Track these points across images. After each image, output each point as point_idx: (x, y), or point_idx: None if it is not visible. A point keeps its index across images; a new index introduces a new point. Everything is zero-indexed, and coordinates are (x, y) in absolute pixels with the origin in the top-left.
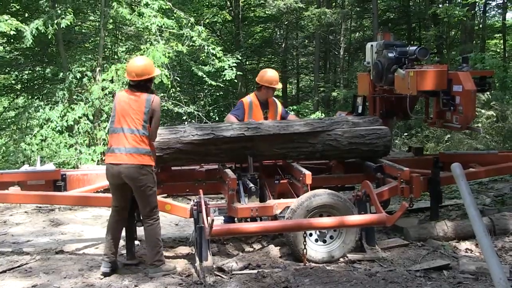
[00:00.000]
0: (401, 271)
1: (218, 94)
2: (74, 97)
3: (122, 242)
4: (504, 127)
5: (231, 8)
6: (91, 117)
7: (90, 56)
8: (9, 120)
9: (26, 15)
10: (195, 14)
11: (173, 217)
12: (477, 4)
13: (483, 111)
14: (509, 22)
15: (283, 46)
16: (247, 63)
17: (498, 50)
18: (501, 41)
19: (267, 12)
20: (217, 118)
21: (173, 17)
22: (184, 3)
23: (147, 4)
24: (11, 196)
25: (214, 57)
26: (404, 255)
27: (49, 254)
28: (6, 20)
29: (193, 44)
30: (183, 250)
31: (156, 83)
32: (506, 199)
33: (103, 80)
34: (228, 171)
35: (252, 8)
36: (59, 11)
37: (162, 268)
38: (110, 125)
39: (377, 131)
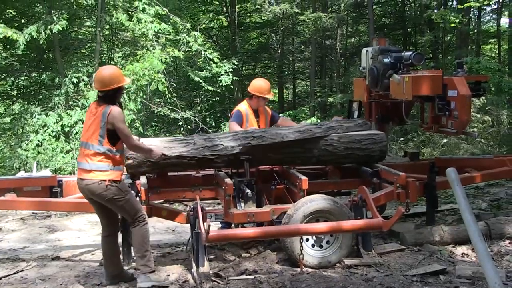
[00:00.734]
0: (397, 276)
1: (214, 99)
2: (71, 103)
3: None
4: (500, 132)
5: (227, 14)
6: None
7: (86, 62)
8: (5, 126)
9: (22, 21)
10: (191, 20)
11: (170, 223)
12: (471, 9)
13: (478, 116)
14: (503, 28)
15: (279, 51)
16: (244, 68)
17: (493, 55)
18: (496, 46)
19: (263, 18)
20: (213, 124)
21: (169, 23)
22: (181, 8)
23: (143, 10)
24: (7, 203)
25: (211, 62)
26: (401, 260)
27: (45, 260)
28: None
29: (190, 49)
30: (180, 256)
31: (152, 90)
32: (502, 204)
33: None
34: (225, 176)
35: (248, 14)
36: (54, 18)
37: (151, 278)
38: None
39: (373, 136)
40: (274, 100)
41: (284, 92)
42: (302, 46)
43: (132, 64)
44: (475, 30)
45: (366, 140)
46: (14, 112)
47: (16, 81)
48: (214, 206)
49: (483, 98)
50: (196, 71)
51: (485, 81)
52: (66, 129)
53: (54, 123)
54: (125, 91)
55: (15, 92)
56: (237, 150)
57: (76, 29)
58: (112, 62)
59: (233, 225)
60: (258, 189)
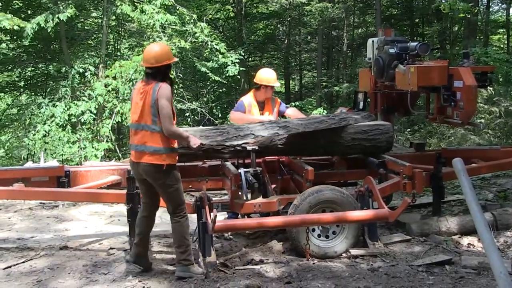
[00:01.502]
0: (403, 266)
1: (221, 90)
2: (77, 93)
3: (126, 238)
4: (507, 123)
5: (233, 4)
6: (94, 110)
7: (93, 53)
8: (12, 117)
9: (29, 12)
10: (198, 11)
11: None
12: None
13: (486, 106)
14: None
15: (285, 42)
16: (250, 59)
17: (502, 46)
18: (505, 36)
19: (269, 8)
20: (219, 115)
21: (176, 14)
22: None
23: (150, 1)
24: (15, 193)
25: (218, 53)
26: (407, 250)
27: (54, 250)
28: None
29: (196, 40)
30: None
31: None
32: (509, 195)
33: (106, 76)
34: (231, 167)
35: (255, 4)
36: (61, 8)
37: (190, 269)
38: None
39: (380, 127)
40: (281, 91)
41: (290, 83)
42: (309, 37)
43: (138, 55)
44: (483, 20)
45: (373, 131)
46: (21, 103)
47: (23, 72)
48: (220, 197)
49: (491, 88)
50: (203, 62)
51: (492, 71)
52: (73, 120)
53: (62, 113)
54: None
55: (22, 83)
56: (267, 139)
57: (82, 20)
58: (118, 53)
59: (239, 215)
60: (264, 180)
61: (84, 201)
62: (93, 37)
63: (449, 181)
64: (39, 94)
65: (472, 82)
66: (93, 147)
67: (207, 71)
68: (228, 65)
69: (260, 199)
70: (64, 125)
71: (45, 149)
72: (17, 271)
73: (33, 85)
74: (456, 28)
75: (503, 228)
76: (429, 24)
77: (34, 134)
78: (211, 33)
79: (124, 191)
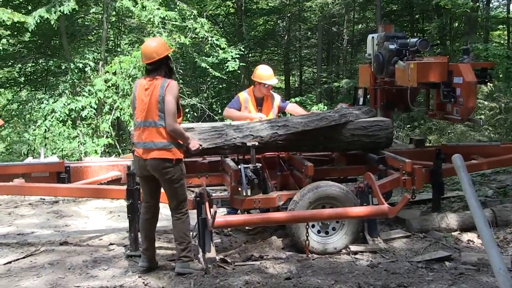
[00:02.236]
0: (403, 262)
1: (221, 86)
2: (78, 89)
3: (126, 234)
4: (507, 119)
5: (234, 0)
6: (94, 105)
7: (93, 48)
8: (13, 113)
9: (29, 7)
10: (198, 6)
11: None
12: None
13: (486, 102)
14: None
15: (286, 38)
16: (250, 55)
17: (502, 42)
18: (505, 32)
19: (269, 4)
20: (219, 111)
21: (176, 9)
22: None
23: None
24: (16, 188)
25: (218, 48)
26: (406, 246)
27: (54, 245)
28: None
29: (196, 36)
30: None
31: None
32: (508, 191)
33: (106, 72)
34: (231, 162)
35: (255, 0)
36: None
37: (189, 265)
38: (134, 118)
39: (380, 123)
40: (281, 87)
41: (290, 78)
42: (309, 33)
43: (138, 51)
44: (484, 17)
45: (373, 127)
46: (22, 99)
47: (24, 67)
48: (220, 192)
49: (491, 84)
50: (203, 57)
51: (491, 67)
52: (73, 115)
53: (62, 107)
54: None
55: (22, 79)
56: (266, 139)
57: (82, 15)
58: (118, 49)
59: (239, 211)
60: (264, 175)
61: (84, 197)
62: (93, 33)
63: (449, 177)
64: (39, 89)
65: (472, 78)
66: (93, 143)
67: (207, 67)
68: (228, 60)
69: (260, 195)
70: (65, 120)
71: (45, 145)
72: (17, 267)
73: (33, 81)
74: (456, 24)
75: (502, 224)
76: (429, 20)
77: (34, 129)
78: (211, 28)
79: (124, 187)
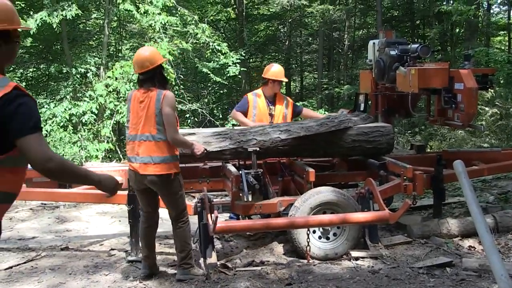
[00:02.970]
0: (404, 268)
1: (222, 91)
2: (79, 95)
3: (127, 239)
4: (508, 125)
5: (235, 6)
6: (95, 111)
7: (94, 54)
8: None
9: (31, 13)
10: (199, 12)
11: None
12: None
13: (487, 108)
14: None
15: (286, 43)
16: (251, 60)
17: (503, 48)
18: (506, 38)
19: (271, 10)
20: (220, 116)
21: (177, 15)
22: (188, 0)
23: (151, 2)
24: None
25: (219, 53)
26: (407, 252)
27: (55, 250)
28: None
29: (197, 41)
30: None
31: None
32: (510, 197)
33: (108, 77)
34: (232, 168)
35: (256, 6)
36: (62, 7)
37: (190, 271)
38: (127, 131)
39: (380, 129)
40: (282, 92)
41: (291, 84)
42: (310, 38)
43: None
44: (484, 23)
45: (374, 133)
46: None
47: (25, 73)
48: (221, 198)
49: (491, 90)
50: (204, 63)
51: (492, 74)
52: (74, 120)
53: (63, 112)
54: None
55: (23, 84)
56: (268, 144)
57: (84, 20)
58: (120, 54)
59: (240, 216)
60: (265, 181)
61: (86, 202)
62: (94, 38)
63: (450, 183)
64: (40, 94)
65: (473, 84)
66: (95, 148)
67: (208, 72)
68: (229, 66)
69: (261, 201)
70: (66, 125)
71: None
72: (18, 272)
73: (35, 86)
74: (457, 30)
75: (504, 230)
76: (430, 26)
77: None
78: (212, 34)
79: (126, 192)
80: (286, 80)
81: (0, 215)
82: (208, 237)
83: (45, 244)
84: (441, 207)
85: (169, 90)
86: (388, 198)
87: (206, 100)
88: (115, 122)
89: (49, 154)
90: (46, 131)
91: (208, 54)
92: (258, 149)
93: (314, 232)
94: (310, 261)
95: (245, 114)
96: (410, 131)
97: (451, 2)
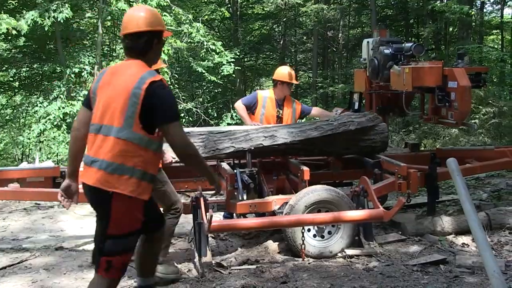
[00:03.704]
0: (398, 265)
1: (216, 91)
2: (72, 94)
3: None
4: (501, 123)
5: (229, 5)
6: None
7: (88, 53)
8: (7, 118)
9: (24, 12)
10: (194, 11)
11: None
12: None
13: (480, 107)
14: (506, 18)
15: (281, 43)
16: (245, 59)
17: (496, 46)
18: (499, 37)
19: (265, 9)
20: (215, 115)
21: (171, 14)
22: None
23: (145, 1)
24: (10, 193)
25: (214, 53)
26: (402, 250)
27: (49, 250)
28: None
29: (192, 41)
30: (182, 246)
31: None
32: (502, 194)
33: None
34: (227, 167)
35: (251, 5)
36: (55, 7)
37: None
38: None
39: (375, 127)
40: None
41: None
42: (304, 37)
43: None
44: (478, 22)
45: (369, 131)
46: (16, 103)
47: (18, 72)
48: (216, 197)
49: (485, 89)
50: (199, 62)
51: (486, 72)
52: (68, 120)
53: (56, 110)
54: None
55: (16, 84)
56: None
57: (77, 20)
58: (114, 54)
59: (234, 215)
60: (260, 180)
61: (80, 202)
62: (88, 37)
63: (443, 181)
64: (34, 94)
65: (466, 82)
66: None
67: (203, 71)
68: (224, 65)
69: (255, 199)
70: (59, 124)
71: (40, 149)
72: (12, 272)
73: (28, 85)
74: (451, 29)
75: (497, 227)
76: (424, 25)
77: (29, 133)
78: (206, 33)
79: None
80: (296, 82)
81: (148, 194)
82: (203, 236)
83: (39, 244)
84: (435, 205)
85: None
86: (382, 196)
87: (200, 99)
88: None
89: (189, 141)
90: (40, 130)
91: (203, 53)
92: (252, 148)
93: (309, 230)
94: (305, 259)
95: (250, 109)
96: (404, 130)
97: (445, 0)
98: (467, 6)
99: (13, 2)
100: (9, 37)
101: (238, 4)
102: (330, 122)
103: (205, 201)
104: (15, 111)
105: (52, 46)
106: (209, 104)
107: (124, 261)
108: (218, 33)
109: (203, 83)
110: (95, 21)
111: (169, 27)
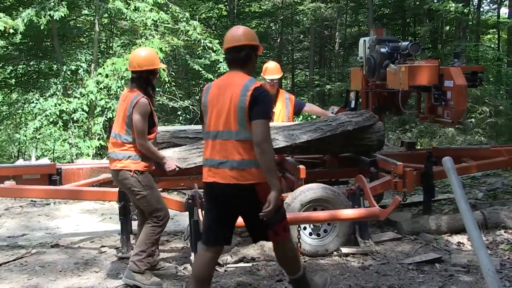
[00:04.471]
0: (394, 264)
1: None
2: (69, 92)
3: (118, 236)
4: (497, 122)
5: (226, 3)
6: (86, 108)
7: (85, 50)
8: (4, 115)
9: (20, 9)
10: (191, 9)
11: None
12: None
13: (476, 106)
14: (503, 17)
15: (278, 41)
16: None
17: (493, 46)
18: (496, 36)
19: (262, 7)
20: None
21: (168, 12)
22: None
23: None
24: (6, 190)
25: (210, 51)
26: (397, 249)
27: (45, 248)
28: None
29: (189, 39)
30: (178, 244)
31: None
32: (498, 194)
33: (98, 74)
34: None
35: (248, 3)
36: (52, 4)
37: (135, 277)
38: None
39: (372, 126)
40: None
41: (283, 81)
42: (301, 36)
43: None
44: (474, 21)
45: (365, 130)
46: (12, 101)
47: (15, 69)
48: None
49: (481, 88)
50: (196, 60)
51: (482, 71)
52: (65, 117)
53: (53, 106)
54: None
55: (13, 81)
56: None
57: (74, 17)
58: (111, 51)
59: None
60: None
61: (76, 199)
62: (85, 35)
63: (439, 180)
64: (30, 91)
65: (462, 81)
66: (86, 145)
67: (200, 69)
68: (220, 62)
69: None
70: (55, 121)
71: (36, 147)
72: (7, 269)
73: (25, 83)
74: (448, 28)
75: (492, 226)
76: (421, 24)
77: (25, 130)
78: (204, 31)
79: (116, 189)
80: (277, 76)
81: (257, 178)
82: (199, 234)
83: (35, 242)
84: (430, 203)
85: (152, 97)
86: (378, 194)
87: (197, 97)
88: (106, 119)
89: (270, 140)
90: (36, 127)
91: (200, 51)
92: None
93: (304, 228)
94: (300, 258)
95: None
96: (400, 128)
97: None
98: (461, 4)
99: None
100: (6, 34)
101: (235, 2)
102: (329, 122)
103: (201, 199)
104: (11, 108)
105: (48, 43)
106: None
107: (284, 226)
108: (215, 31)
109: (200, 81)
110: (92, 18)
111: (166, 25)
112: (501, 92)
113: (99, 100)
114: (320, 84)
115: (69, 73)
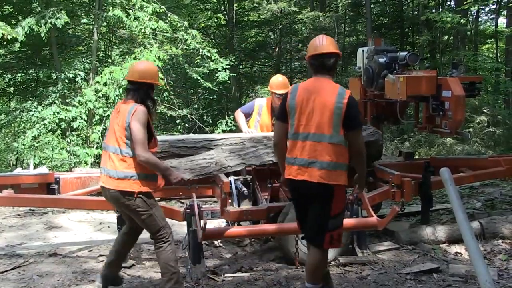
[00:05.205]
0: (391, 274)
1: (211, 97)
2: (68, 100)
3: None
4: (495, 132)
5: (225, 12)
6: (85, 117)
7: (83, 59)
8: (2, 122)
9: (20, 18)
10: (190, 18)
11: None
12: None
13: (475, 116)
14: (501, 27)
15: (276, 50)
16: (241, 66)
17: (491, 56)
18: (494, 46)
19: (261, 16)
20: (210, 121)
21: (167, 21)
22: (179, 6)
23: (141, 7)
24: (5, 199)
25: (209, 60)
26: (395, 258)
27: (43, 257)
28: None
29: (187, 47)
30: (176, 253)
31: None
32: (496, 204)
33: (97, 82)
34: (221, 174)
35: (246, 12)
36: (51, 12)
37: None
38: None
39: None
40: None
41: None
42: (300, 45)
43: (129, 62)
44: (472, 31)
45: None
46: (11, 109)
47: (13, 78)
48: (211, 204)
49: (479, 98)
50: (194, 68)
51: (480, 82)
52: (63, 125)
53: (51, 115)
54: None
55: (12, 89)
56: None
57: (73, 26)
58: (109, 60)
59: (228, 222)
60: (254, 187)
61: (74, 208)
62: (84, 44)
63: (437, 190)
64: (29, 100)
65: (460, 92)
66: (85, 153)
67: (199, 78)
68: (219, 71)
69: (250, 207)
70: (54, 129)
71: (34, 155)
72: (5, 279)
73: (23, 91)
74: (446, 38)
75: (490, 237)
76: (419, 34)
77: (23, 139)
78: (202, 40)
79: None
80: (286, 91)
81: (340, 180)
82: (197, 244)
83: (33, 251)
84: (428, 213)
85: (151, 110)
86: (376, 204)
87: (196, 106)
88: (104, 127)
89: (364, 145)
90: (34, 135)
91: (198, 60)
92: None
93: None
94: (298, 267)
95: (248, 117)
96: (398, 138)
97: (440, 9)
98: (459, 15)
99: (9, 8)
100: (5, 43)
101: (234, 11)
102: None
103: (199, 209)
104: (9, 116)
105: (47, 52)
106: (204, 111)
107: (340, 233)
108: (213, 40)
109: (199, 90)
110: (91, 27)
111: (165, 34)
112: (499, 101)
113: (97, 108)
114: None
115: (67, 82)
